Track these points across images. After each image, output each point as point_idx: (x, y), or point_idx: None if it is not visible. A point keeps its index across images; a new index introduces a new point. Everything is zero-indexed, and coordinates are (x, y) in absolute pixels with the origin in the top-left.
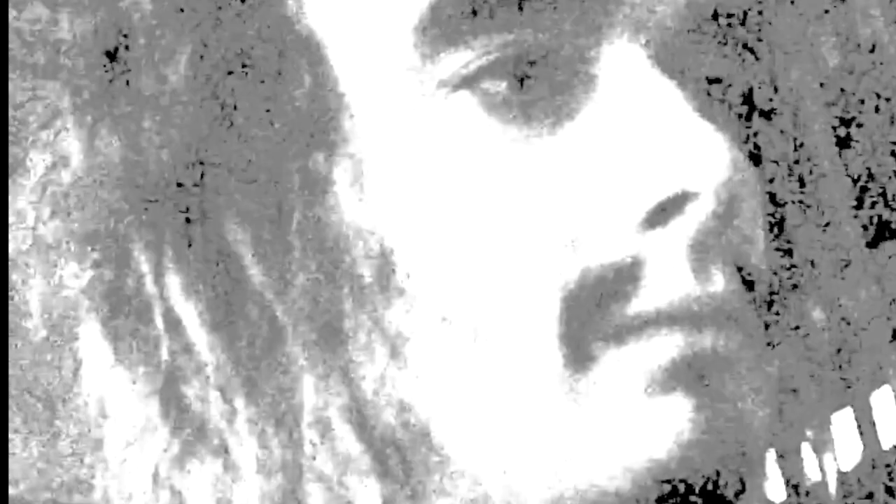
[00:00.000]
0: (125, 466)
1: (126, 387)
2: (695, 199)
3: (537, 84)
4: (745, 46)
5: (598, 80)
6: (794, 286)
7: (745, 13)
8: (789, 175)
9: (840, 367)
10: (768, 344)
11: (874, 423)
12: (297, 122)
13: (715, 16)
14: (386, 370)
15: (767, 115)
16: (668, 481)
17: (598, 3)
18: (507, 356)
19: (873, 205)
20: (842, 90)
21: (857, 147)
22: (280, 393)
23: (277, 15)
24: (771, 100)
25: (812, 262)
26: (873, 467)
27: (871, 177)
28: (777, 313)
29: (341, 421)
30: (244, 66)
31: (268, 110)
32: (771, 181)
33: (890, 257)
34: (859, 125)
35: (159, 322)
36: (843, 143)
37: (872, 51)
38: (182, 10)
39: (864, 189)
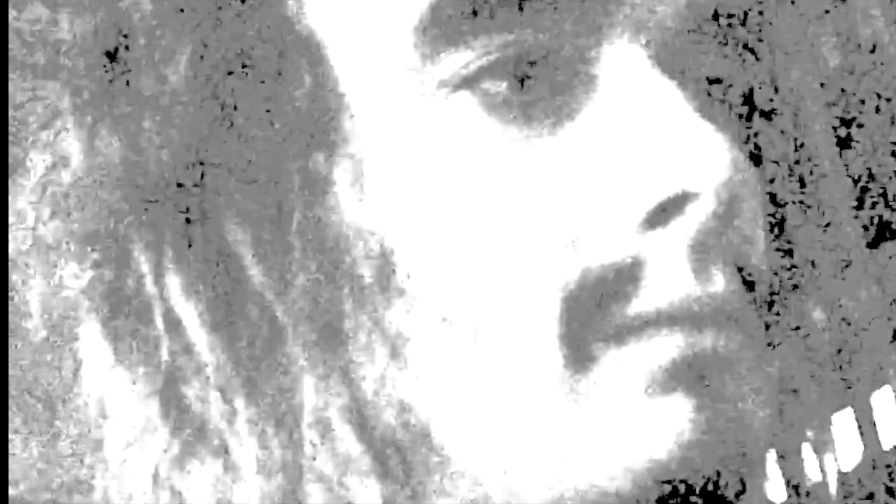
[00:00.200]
0: (125, 467)
1: (126, 387)
2: (695, 199)
3: (537, 84)
4: (745, 46)
5: (599, 81)
6: (795, 286)
7: (746, 13)
8: (790, 175)
9: (840, 367)
10: (769, 344)
11: (875, 424)
12: (297, 123)
13: (715, 16)
14: (386, 370)
15: (768, 115)
16: (669, 482)
17: (598, 3)
18: (508, 356)
19: (874, 205)
20: (842, 90)
21: (858, 147)
22: (280, 393)
23: (277, 15)
24: (771, 100)
25: (812, 263)
26: (874, 468)
27: (871, 177)
28: (777, 313)
29: (341, 421)
30: (244, 66)
31: (268, 110)
32: (771, 181)
33: (891, 258)
34: (860, 125)
35: (159, 322)
36: (844, 143)
37: (873, 51)
38: (182, 11)
39: (864, 189)
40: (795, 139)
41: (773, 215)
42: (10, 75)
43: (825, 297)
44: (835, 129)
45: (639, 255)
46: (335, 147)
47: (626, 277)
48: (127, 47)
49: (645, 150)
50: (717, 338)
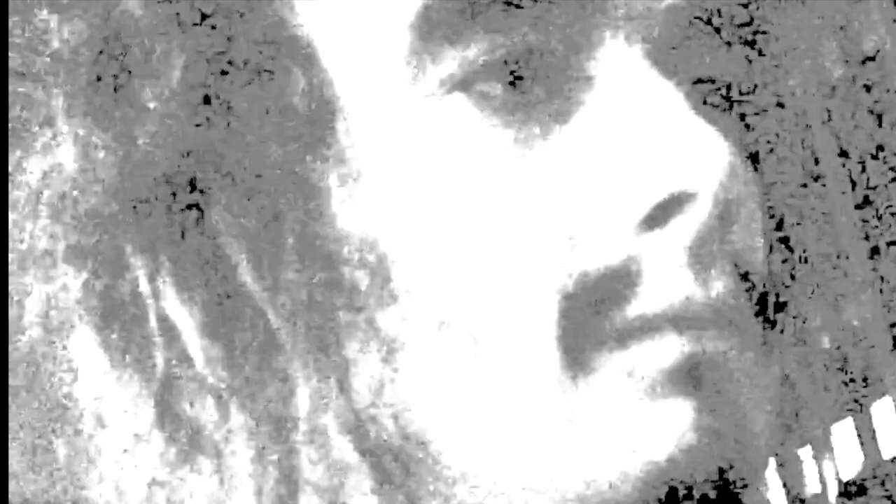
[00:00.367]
0: (120, 474)
1: (121, 394)
2: (693, 200)
3: (534, 85)
4: (744, 45)
5: (596, 81)
6: (795, 290)
7: (745, 12)
8: (789, 177)
9: (842, 370)
10: (764, 343)
11: (874, 434)
12: (290, 126)
13: (714, 16)
14: (382, 377)
15: (767, 115)
16: (669, 486)
17: (594, 3)
18: (506, 360)
19: (876, 212)
20: (844, 94)
21: (859, 151)
22: (275, 401)
23: (270, 18)
24: (771, 100)
25: (812, 267)
26: (874, 477)
27: (872, 185)
28: (776, 318)
29: (337, 428)
30: (237, 70)
31: (261, 115)
32: (770, 183)
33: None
34: (861, 128)
35: (154, 329)
36: (845, 147)
37: (874, 59)
38: (177, 15)
39: (866, 197)
40: (795, 140)
41: (772, 217)
42: None
43: (825, 302)
44: (837, 136)
45: (637, 257)
46: (329, 150)
47: (624, 280)
48: (121, 54)
49: (642, 151)
50: (716, 341)
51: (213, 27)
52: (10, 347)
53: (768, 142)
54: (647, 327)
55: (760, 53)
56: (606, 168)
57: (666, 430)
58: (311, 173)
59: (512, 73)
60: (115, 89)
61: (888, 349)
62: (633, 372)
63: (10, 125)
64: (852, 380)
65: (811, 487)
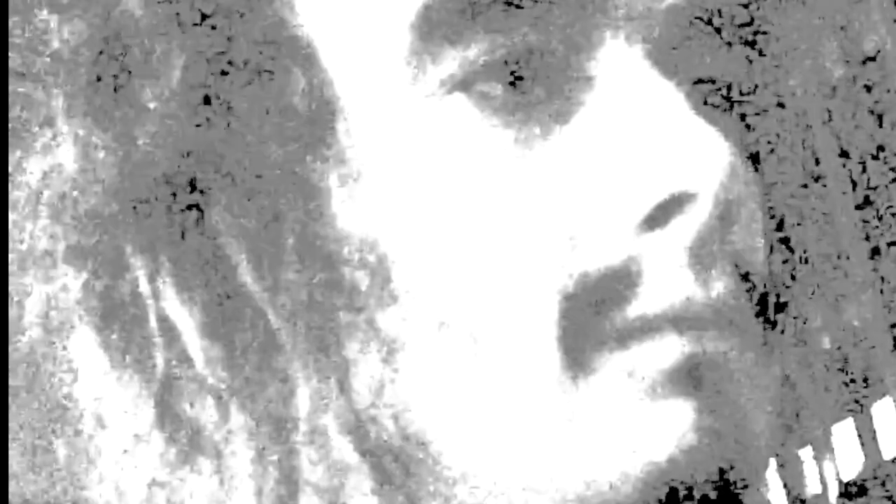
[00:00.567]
0: (120, 475)
1: (121, 395)
2: (694, 200)
3: (534, 85)
4: (745, 46)
5: (596, 81)
6: (795, 290)
7: (745, 13)
8: (790, 178)
9: (842, 371)
10: (764, 344)
11: (875, 434)
12: (290, 127)
13: (714, 16)
14: (383, 377)
15: (768, 116)
16: (670, 486)
17: (595, 3)
18: (506, 361)
19: (876, 212)
20: (845, 94)
21: (860, 151)
22: (275, 401)
23: (270, 18)
24: (771, 101)
25: (813, 266)
26: (874, 478)
27: (873, 185)
28: (777, 318)
29: (338, 429)
30: (237, 70)
31: (262, 115)
32: (771, 184)
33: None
34: (862, 128)
35: (154, 330)
36: (846, 147)
37: (874, 59)
38: (177, 15)
39: (866, 197)
40: (795, 141)
41: (772, 217)
42: None
43: (825, 303)
44: (837, 136)
45: (637, 257)
46: (329, 151)
47: (624, 280)
48: (121, 54)
49: (643, 151)
50: (716, 341)
51: (213, 27)
52: (10, 348)
53: (769, 142)
54: (648, 328)
55: (761, 54)
56: (607, 168)
57: (666, 431)
58: (312, 173)
59: (512, 73)
60: (115, 89)
61: (889, 349)
62: (634, 372)
63: (10, 125)
64: (853, 380)
65: (812, 488)
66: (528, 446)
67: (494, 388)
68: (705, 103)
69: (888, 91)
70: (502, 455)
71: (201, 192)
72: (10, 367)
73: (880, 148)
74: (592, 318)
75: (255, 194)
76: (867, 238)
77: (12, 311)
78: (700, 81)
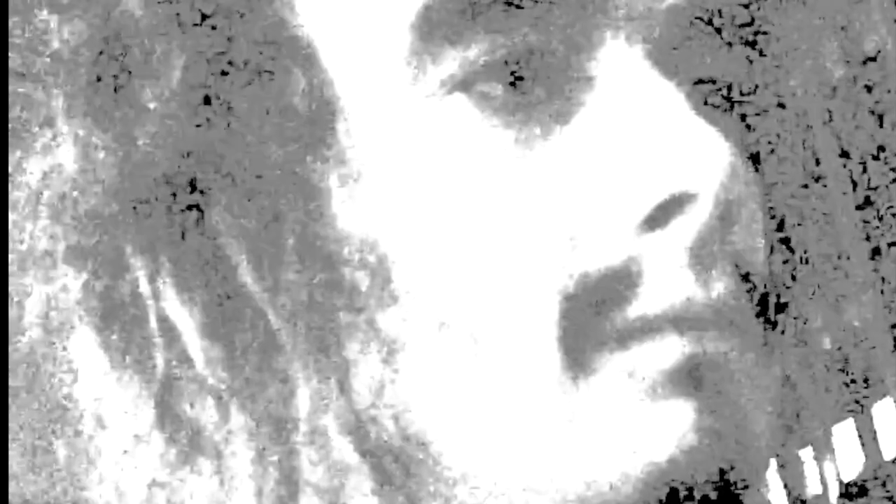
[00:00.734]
0: (120, 475)
1: (121, 395)
2: (694, 201)
3: (535, 85)
4: (745, 46)
5: (596, 81)
6: (796, 291)
7: (746, 13)
8: (790, 178)
9: (843, 371)
10: (765, 344)
11: (875, 435)
12: (291, 127)
13: (714, 16)
14: (383, 377)
15: (768, 116)
16: (670, 487)
17: (596, 3)
18: (506, 361)
19: (877, 213)
20: (845, 94)
21: (860, 152)
22: (275, 402)
23: (270, 18)
24: (772, 101)
25: (813, 267)
26: (875, 479)
27: (873, 186)
28: (777, 319)
29: (338, 430)
30: (238, 71)
31: (262, 115)
32: (771, 184)
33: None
34: (862, 128)
35: (154, 331)
36: (846, 148)
37: (875, 59)
38: (177, 15)
39: (867, 198)
40: (796, 141)
41: (773, 218)
42: None
43: (826, 303)
44: (838, 137)
45: (638, 257)
46: (329, 151)
47: (625, 280)
48: (122, 54)
49: (643, 151)
50: (717, 341)
51: (214, 27)
52: (10, 348)
53: (769, 142)
54: (648, 328)
55: (761, 54)
56: (607, 169)
57: (667, 431)
58: (312, 174)
59: (512, 73)
60: (115, 90)
61: (889, 350)
62: (634, 373)
63: (10, 125)
64: (853, 381)
65: (812, 488)
66: (528, 447)
67: (495, 388)
68: (706, 103)
69: (888, 91)
70: (503, 455)
71: (201, 192)
72: (10, 367)
73: (881, 148)
74: (593, 318)
75: (255, 194)
76: (868, 238)
77: (12, 312)
78: (700, 82)
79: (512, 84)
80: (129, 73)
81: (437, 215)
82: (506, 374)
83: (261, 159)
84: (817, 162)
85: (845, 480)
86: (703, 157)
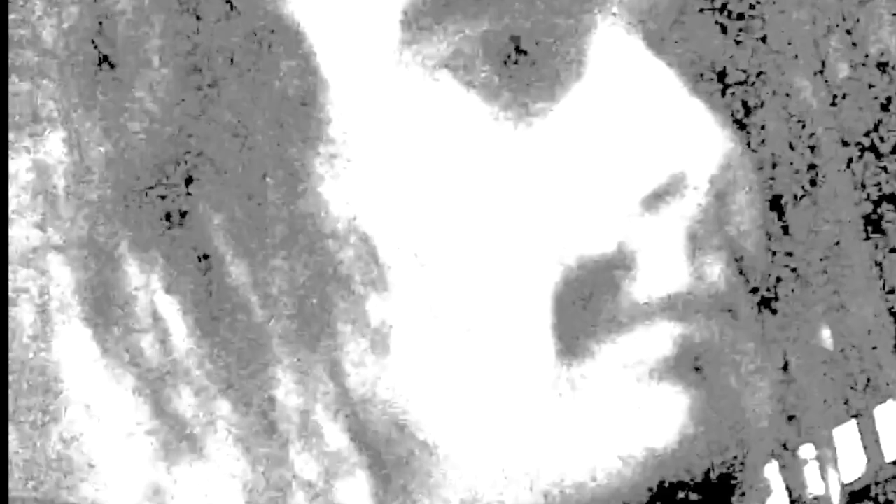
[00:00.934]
0: (111, 471)
1: (112, 390)
2: (689, 185)
3: (526, 67)
4: (740, 30)
5: (590, 63)
6: (793, 276)
7: None
8: (788, 164)
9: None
10: (765, 333)
11: (878, 437)
12: (277, 112)
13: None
14: (373, 367)
15: (766, 99)
16: (668, 472)
17: None
18: (500, 349)
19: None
20: (847, 85)
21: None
22: (266, 395)
23: (257, 3)
24: (770, 85)
25: (812, 250)
26: (876, 483)
27: (877, 182)
28: (775, 306)
29: (329, 420)
30: (226, 56)
31: (248, 101)
32: (765, 168)
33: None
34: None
35: (145, 324)
36: (847, 139)
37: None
38: (163, 2)
39: (868, 195)
40: (794, 126)
41: (772, 206)
42: None
43: (826, 292)
44: (844, 142)
45: (633, 243)
46: (317, 136)
47: (620, 267)
48: (109, 45)
49: (638, 135)
50: (713, 328)
51: (199, 17)
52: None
53: (763, 127)
54: (643, 315)
55: (758, 40)
56: (600, 152)
57: (662, 418)
58: (298, 159)
59: (503, 54)
60: (103, 80)
61: (891, 352)
62: (630, 360)
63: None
64: (856, 383)
65: (814, 490)
66: (522, 436)
67: (488, 377)
68: (702, 88)
69: (891, 82)
70: (497, 444)
71: (190, 179)
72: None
73: (881, 139)
74: (587, 305)
75: (243, 180)
76: (868, 238)
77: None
78: (696, 64)
79: (504, 64)
80: (117, 62)
81: (428, 200)
82: (500, 363)
83: (248, 144)
84: (817, 149)
85: (847, 482)
86: (700, 142)
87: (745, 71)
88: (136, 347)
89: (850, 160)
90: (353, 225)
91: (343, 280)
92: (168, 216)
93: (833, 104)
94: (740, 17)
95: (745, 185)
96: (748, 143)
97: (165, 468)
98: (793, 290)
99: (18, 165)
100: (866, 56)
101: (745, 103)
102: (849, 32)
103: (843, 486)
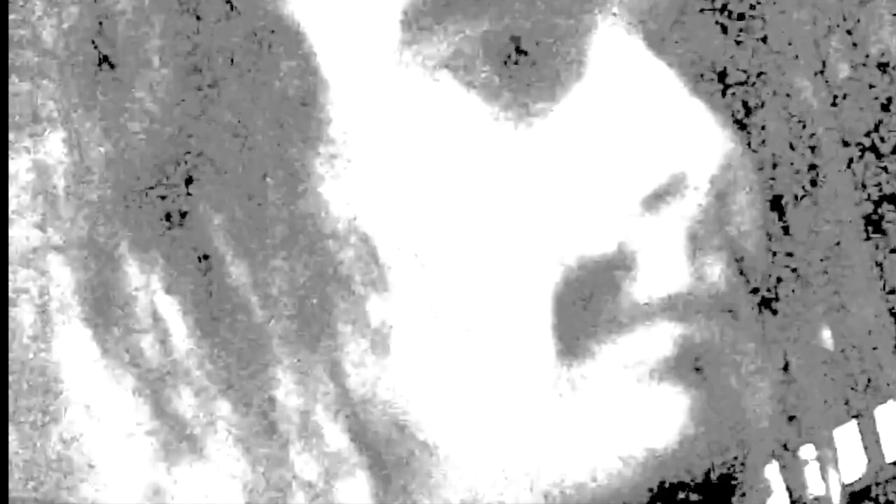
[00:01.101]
0: (111, 472)
1: (113, 390)
2: (690, 186)
3: (527, 67)
4: (741, 30)
5: (590, 63)
6: (794, 276)
7: None
8: (788, 164)
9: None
10: (766, 334)
11: (878, 437)
12: (277, 112)
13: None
14: (374, 367)
15: (767, 100)
16: (669, 472)
17: None
18: (500, 350)
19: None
20: (848, 85)
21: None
22: (266, 396)
23: (257, 3)
24: (771, 85)
25: (813, 250)
26: (877, 484)
27: (877, 182)
28: (775, 307)
29: (329, 421)
30: (226, 57)
31: (249, 101)
32: (765, 168)
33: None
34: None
35: (146, 324)
36: (847, 139)
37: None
38: (163, 2)
39: (866, 189)
40: (794, 126)
41: (772, 207)
42: None
43: (828, 306)
44: (844, 142)
45: (633, 243)
46: (317, 136)
47: (620, 267)
48: (109, 45)
49: (639, 135)
50: (713, 329)
51: (200, 17)
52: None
53: (764, 127)
54: (644, 315)
55: (758, 40)
56: (602, 152)
57: (663, 418)
58: (298, 159)
59: (503, 54)
60: (103, 81)
61: (891, 353)
62: (630, 360)
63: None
64: (856, 383)
65: (814, 491)
66: (523, 436)
67: (489, 378)
68: (703, 88)
69: (891, 82)
70: (498, 444)
71: (190, 179)
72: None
73: (882, 140)
74: (588, 305)
75: (243, 181)
76: (869, 238)
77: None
78: (697, 65)
79: (504, 64)
80: (117, 62)
81: (429, 200)
82: (500, 363)
83: (248, 144)
84: (817, 149)
85: (847, 483)
86: (699, 142)
87: (745, 71)
88: (137, 348)
89: (851, 160)
90: (354, 225)
91: (343, 280)
92: (168, 216)
93: (834, 104)
94: (741, 17)
95: (746, 185)
96: (748, 144)
97: (165, 469)
98: (793, 291)
99: (18, 166)
100: (867, 56)
101: (745, 103)
102: (849, 33)
103: (844, 486)
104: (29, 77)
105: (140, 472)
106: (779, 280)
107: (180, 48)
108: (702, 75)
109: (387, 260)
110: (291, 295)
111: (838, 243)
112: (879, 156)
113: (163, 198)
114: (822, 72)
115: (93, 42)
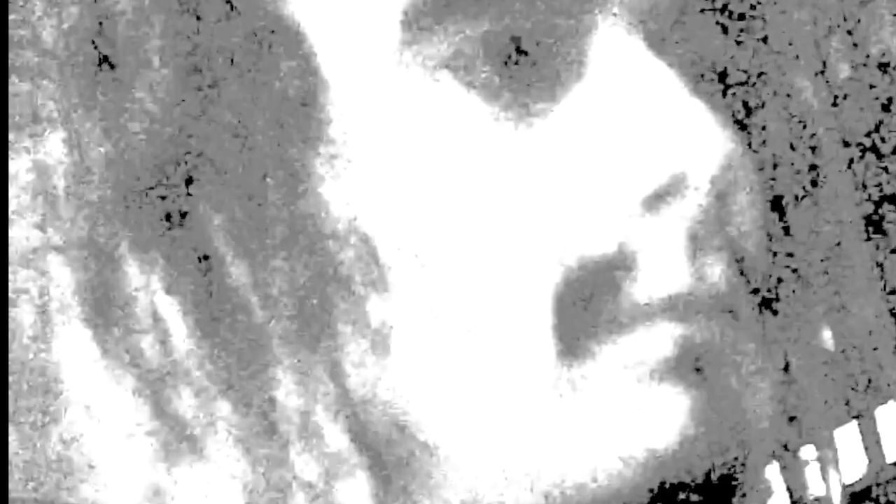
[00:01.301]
0: (111, 472)
1: (113, 390)
2: (690, 186)
3: (527, 67)
4: (741, 31)
5: (591, 64)
6: (795, 277)
7: None
8: (789, 165)
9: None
10: (766, 334)
11: (879, 438)
12: (277, 113)
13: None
14: (374, 367)
15: (768, 101)
16: (669, 473)
17: None
18: (500, 350)
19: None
20: (848, 86)
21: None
22: (266, 396)
23: (259, 3)
24: (771, 86)
25: (813, 252)
26: (877, 484)
27: (878, 182)
28: (776, 308)
29: (329, 421)
30: (226, 57)
31: (249, 101)
32: (766, 168)
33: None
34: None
35: (146, 325)
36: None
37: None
38: (163, 3)
39: (867, 189)
40: (794, 127)
41: (773, 207)
42: None
43: (827, 292)
44: (845, 142)
45: (633, 243)
46: (317, 136)
47: (620, 267)
48: (109, 45)
49: (639, 135)
50: (714, 329)
51: (200, 17)
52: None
53: (764, 128)
54: (644, 315)
55: (759, 40)
56: (602, 153)
57: (664, 419)
58: (298, 160)
59: (503, 54)
60: (103, 81)
61: (892, 353)
62: (630, 360)
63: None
64: (857, 384)
65: (815, 491)
66: (523, 436)
67: (489, 378)
68: (703, 88)
69: (892, 83)
70: (497, 445)
71: (190, 180)
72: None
73: (882, 140)
74: (588, 305)
75: (243, 181)
76: (869, 238)
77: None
78: (697, 65)
79: (504, 65)
80: (117, 62)
81: (429, 201)
82: (500, 363)
83: (248, 145)
84: (818, 149)
85: (848, 483)
86: (700, 142)
87: (745, 71)
88: (137, 348)
89: (851, 161)
90: (354, 226)
91: (343, 281)
92: (168, 217)
93: (834, 105)
94: (741, 17)
95: (746, 185)
96: (749, 144)
97: (166, 469)
98: (794, 291)
99: (18, 166)
100: (867, 56)
101: (745, 104)
102: (850, 33)
103: (844, 487)
104: (29, 77)
105: (140, 473)
106: (779, 280)
107: (180, 48)
108: (702, 75)
109: (387, 260)
110: (291, 295)
111: (839, 244)
112: (880, 156)
113: (163, 198)
114: (822, 72)
115: (93, 42)
